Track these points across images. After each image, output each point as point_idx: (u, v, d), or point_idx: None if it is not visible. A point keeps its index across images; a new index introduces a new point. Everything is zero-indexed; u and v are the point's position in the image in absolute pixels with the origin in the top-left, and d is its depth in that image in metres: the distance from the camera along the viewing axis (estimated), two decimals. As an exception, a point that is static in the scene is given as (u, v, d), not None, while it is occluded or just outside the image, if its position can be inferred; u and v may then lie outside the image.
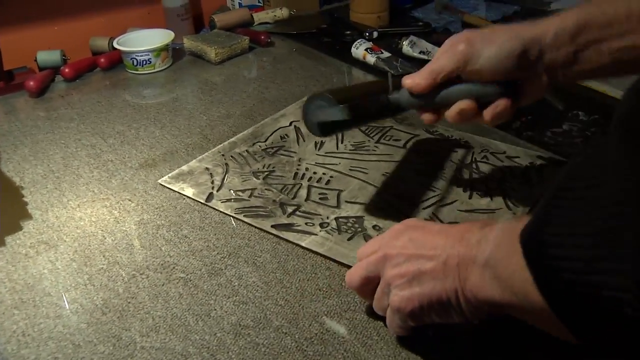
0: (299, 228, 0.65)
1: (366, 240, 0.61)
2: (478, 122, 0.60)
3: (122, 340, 0.52)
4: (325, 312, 0.54)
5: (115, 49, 1.07)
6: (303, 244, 0.62)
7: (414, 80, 0.58)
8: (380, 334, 0.52)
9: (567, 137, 0.80)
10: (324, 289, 0.57)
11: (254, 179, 0.74)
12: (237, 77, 1.05)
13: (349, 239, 0.63)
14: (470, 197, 0.68)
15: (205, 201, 0.70)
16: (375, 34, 1.18)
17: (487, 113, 0.58)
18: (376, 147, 0.80)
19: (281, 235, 0.63)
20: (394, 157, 0.77)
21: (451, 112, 0.59)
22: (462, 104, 0.58)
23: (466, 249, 0.43)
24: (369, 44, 1.06)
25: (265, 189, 0.72)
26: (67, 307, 0.56)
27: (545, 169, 0.72)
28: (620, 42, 0.52)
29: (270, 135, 0.84)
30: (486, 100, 0.58)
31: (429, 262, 0.45)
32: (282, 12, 1.29)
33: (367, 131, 0.84)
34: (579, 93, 0.91)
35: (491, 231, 0.42)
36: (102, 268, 0.61)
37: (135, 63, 1.05)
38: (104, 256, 0.62)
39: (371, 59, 1.03)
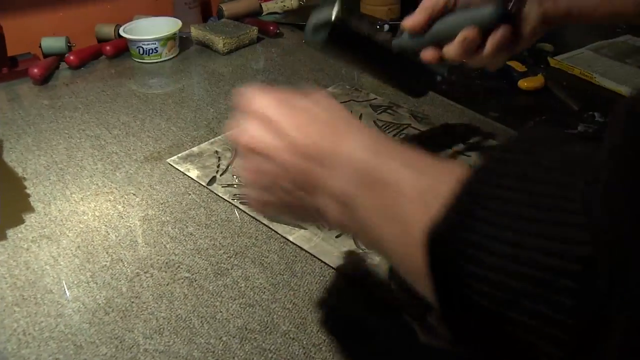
0: (289, 221, 0.64)
1: (354, 239, 0.61)
2: (482, 60, 0.57)
3: (125, 342, 0.51)
4: (334, 318, 0.53)
5: (122, 36, 1.05)
6: (291, 239, 0.61)
7: (411, 20, 0.58)
8: (392, 339, 0.50)
9: (582, 139, 0.78)
10: (333, 293, 0.55)
11: None
12: (245, 68, 1.03)
13: (336, 237, 0.61)
14: None
15: (207, 184, 0.70)
16: (386, 27, 1.15)
17: (489, 43, 0.55)
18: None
19: (271, 227, 0.63)
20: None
21: (454, 46, 0.56)
22: (465, 33, 0.55)
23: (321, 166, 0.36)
24: (380, 38, 1.04)
25: None
26: (69, 306, 0.54)
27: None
28: None
29: None
30: (486, 29, 0.55)
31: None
32: (292, 2, 1.27)
33: (383, 127, 0.82)
34: (595, 93, 0.89)
35: (350, 158, 0.35)
36: (105, 265, 0.59)
37: (141, 52, 1.03)
38: (107, 252, 0.61)
39: (382, 53, 1.01)
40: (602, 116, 0.83)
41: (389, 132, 0.81)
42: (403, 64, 0.63)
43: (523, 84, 0.90)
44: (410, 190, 0.32)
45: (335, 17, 0.57)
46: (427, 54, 0.59)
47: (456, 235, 0.28)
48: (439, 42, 0.58)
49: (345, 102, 0.89)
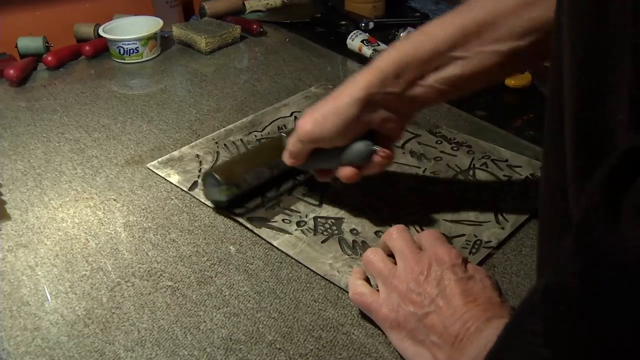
0: (275, 224, 0.62)
1: (340, 245, 0.60)
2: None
3: (106, 355, 0.49)
4: (322, 326, 0.51)
5: (101, 36, 1.02)
6: (275, 244, 0.60)
7: (289, 162, 0.61)
8: (379, 351, 0.49)
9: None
10: (320, 300, 0.54)
11: None
12: (228, 68, 1.01)
13: (322, 242, 0.60)
14: (459, 207, 0.65)
15: (189, 190, 0.68)
16: (371, 25, 1.14)
17: (371, 171, 0.59)
18: (373, 145, 0.77)
19: (254, 231, 0.61)
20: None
21: (340, 178, 0.60)
22: (341, 173, 0.59)
23: (463, 339, 0.43)
24: (366, 36, 1.03)
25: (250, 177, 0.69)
26: (47, 318, 0.52)
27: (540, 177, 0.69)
28: (445, 73, 0.53)
29: (268, 125, 0.81)
30: (363, 160, 0.58)
31: (438, 318, 0.45)
32: (275, 0, 1.25)
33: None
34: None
35: (487, 328, 0.43)
36: (84, 275, 0.57)
37: (121, 52, 1.01)
38: (87, 261, 0.59)
39: (367, 51, 1.00)
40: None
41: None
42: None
43: (510, 81, 0.90)
44: None
45: (226, 199, 0.64)
46: (319, 177, 0.63)
47: None
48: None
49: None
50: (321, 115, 0.56)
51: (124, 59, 1.02)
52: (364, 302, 0.50)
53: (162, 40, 1.06)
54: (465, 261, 0.49)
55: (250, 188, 0.65)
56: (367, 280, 0.53)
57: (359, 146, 0.57)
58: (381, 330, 0.50)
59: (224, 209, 0.65)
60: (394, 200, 0.66)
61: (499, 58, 0.51)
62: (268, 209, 0.65)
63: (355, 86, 0.55)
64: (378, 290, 0.51)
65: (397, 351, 0.48)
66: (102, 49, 1.04)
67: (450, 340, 0.43)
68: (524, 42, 0.50)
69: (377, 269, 0.51)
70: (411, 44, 0.54)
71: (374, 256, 0.52)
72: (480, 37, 0.51)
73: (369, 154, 0.58)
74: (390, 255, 0.53)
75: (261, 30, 1.13)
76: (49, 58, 0.98)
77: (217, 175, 0.62)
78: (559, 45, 0.37)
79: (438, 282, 0.46)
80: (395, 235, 0.52)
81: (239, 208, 0.65)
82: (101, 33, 1.02)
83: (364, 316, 0.52)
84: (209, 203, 0.66)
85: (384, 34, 1.09)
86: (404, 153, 0.75)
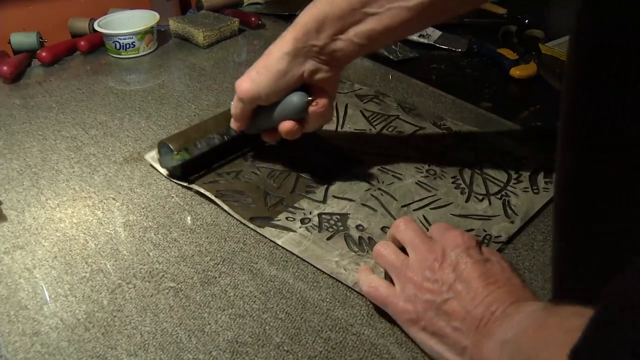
0: (278, 223, 0.61)
1: (346, 241, 0.58)
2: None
3: (108, 361, 0.47)
4: (330, 327, 0.50)
5: (97, 31, 1.00)
6: (279, 242, 0.58)
7: (235, 125, 0.66)
8: (390, 352, 0.47)
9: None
10: (328, 300, 0.53)
11: (243, 160, 0.70)
12: (227, 61, 0.99)
13: (328, 238, 0.59)
14: (467, 201, 0.64)
15: (189, 183, 0.67)
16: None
17: (308, 127, 0.63)
18: (377, 138, 0.75)
19: (258, 231, 0.60)
20: (392, 151, 0.72)
21: (282, 134, 0.63)
22: (282, 128, 0.62)
23: (488, 322, 0.42)
24: (366, 27, 1.01)
25: (252, 172, 0.68)
26: (46, 323, 0.51)
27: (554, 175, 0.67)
28: (361, 28, 0.57)
29: None
30: (299, 111, 0.61)
31: (458, 303, 0.43)
32: (273, -8, 1.22)
33: (370, 118, 0.79)
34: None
35: (517, 313, 0.40)
36: (84, 276, 0.56)
37: (118, 47, 0.99)
38: (86, 263, 0.57)
39: (369, 43, 0.98)
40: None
41: (376, 123, 0.78)
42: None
43: (515, 72, 0.88)
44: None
45: (179, 164, 0.66)
46: (267, 138, 0.67)
47: None
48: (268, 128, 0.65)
49: (332, 95, 0.86)
50: (255, 72, 0.60)
51: (121, 54, 0.99)
52: (379, 296, 0.49)
53: (158, 35, 1.04)
54: (479, 244, 0.47)
55: (201, 153, 0.66)
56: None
57: (293, 97, 0.60)
58: (392, 330, 0.49)
59: (180, 177, 0.67)
60: (399, 195, 0.65)
61: (408, 13, 0.55)
62: (270, 207, 0.63)
63: (283, 41, 0.59)
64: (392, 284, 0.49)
65: (409, 351, 0.47)
66: (98, 44, 1.02)
67: (474, 324, 0.42)
68: None
69: (390, 262, 0.50)
70: (328, 1, 0.58)
71: (384, 249, 0.51)
72: None
73: (304, 104, 0.60)
74: (401, 248, 0.51)
75: (260, 22, 1.11)
76: (44, 54, 0.96)
77: (168, 143, 0.65)
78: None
79: (454, 267, 0.45)
80: (402, 226, 0.51)
81: (194, 175, 0.67)
82: (96, 28, 0.99)
83: (374, 315, 0.50)
84: (211, 196, 0.64)
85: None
86: (408, 146, 0.73)
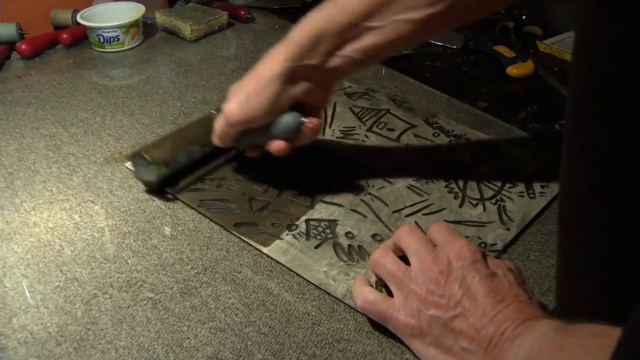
0: (263, 229, 0.58)
1: (335, 250, 0.56)
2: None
3: (79, 379, 0.45)
4: (315, 342, 0.47)
5: (80, 23, 0.96)
6: (265, 251, 0.56)
7: (217, 142, 0.61)
8: (378, 370, 0.45)
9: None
10: (313, 313, 0.50)
11: (227, 167, 0.67)
12: (215, 56, 0.96)
13: (316, 247, 0.56)
14: (460, 206, 0.61)
15: (174, 192, 0.64)
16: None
17: (300, 141, 0.59)
18: (367, 136, 0.72)
19: (242, 238, 0.57)
20: (383, 152, 0.69)
21: (271, 151, 0.60)
22: (272, 147, 0.59)
23: (498, 343, 0.39)
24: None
25: (237, 179, 0.65)
26: (14, 337, 0.48)
27: (552, 179, 0.65)
28: (361, 43, 0.53)
29: None
30: (293, 132, 0.58)
31: (466, 321, 0.41)
32: (264, -16, 1.19)
33: (360, 114, 0.77)
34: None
35: (528, 333, 0.38)
36: (58, 286, 0.53)
37: (101, 40, 0.95)
38: (61, 271, 0.54)
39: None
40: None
41: (366, 119, 0.75)
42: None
43: (512, 70, 0.85)
44: None
45: (156, 179, 0.62)
46: (250, 153, 0.64)
47: None
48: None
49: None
50: (245, 95, 0.56)
51: (104, 48, 0.96)
52: (377, 311, 0.46)
53: (144, 28, 1.01)
54: (484, 256, 0.45)
55: (181, 167, 0.63)
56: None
57: (287, 119, 0.57)
58: (381, 347, 0.46)
59: (155, 190, 0.63)
60: (390, 200, 0.62)
61: (413, 26, 0.52)
62: (255, 212, 0.60)
63: (274, 61, 0.54)
64: (389, 296, 0.47)
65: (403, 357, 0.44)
66: (81, 37, 0.98)
67: (484, 345, 0.40)
68: (437, 8, 0.50)
69: (390, 272, 0.47)
70: (325, 16, 0.54)
71: (383, 258, 0.48)
72: (394, 6, 0.51)
73: (297, 126, 0.58)
74: (399, 257, 0.49)
75: (249, 16, 1.08)
76: (23, 47, 0.92)
77: (145, 155, 0.60)
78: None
79: (461, 282, 0.42)
80: (407, 234, 0.48)
81: (173, 186, 0.64)
82: (79, 20, 0.96)
83: (362, 331, 0.48)
84: (194, 205, 0.61)
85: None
86: (400, 147, 0.71)
